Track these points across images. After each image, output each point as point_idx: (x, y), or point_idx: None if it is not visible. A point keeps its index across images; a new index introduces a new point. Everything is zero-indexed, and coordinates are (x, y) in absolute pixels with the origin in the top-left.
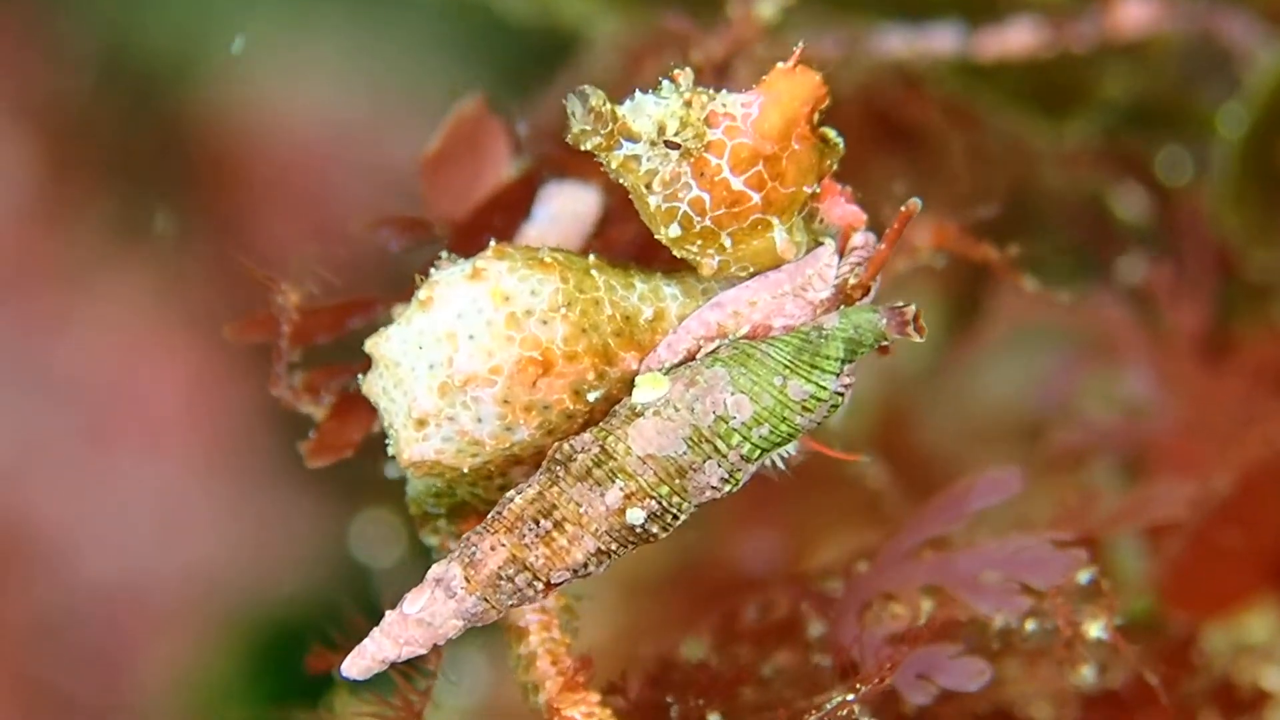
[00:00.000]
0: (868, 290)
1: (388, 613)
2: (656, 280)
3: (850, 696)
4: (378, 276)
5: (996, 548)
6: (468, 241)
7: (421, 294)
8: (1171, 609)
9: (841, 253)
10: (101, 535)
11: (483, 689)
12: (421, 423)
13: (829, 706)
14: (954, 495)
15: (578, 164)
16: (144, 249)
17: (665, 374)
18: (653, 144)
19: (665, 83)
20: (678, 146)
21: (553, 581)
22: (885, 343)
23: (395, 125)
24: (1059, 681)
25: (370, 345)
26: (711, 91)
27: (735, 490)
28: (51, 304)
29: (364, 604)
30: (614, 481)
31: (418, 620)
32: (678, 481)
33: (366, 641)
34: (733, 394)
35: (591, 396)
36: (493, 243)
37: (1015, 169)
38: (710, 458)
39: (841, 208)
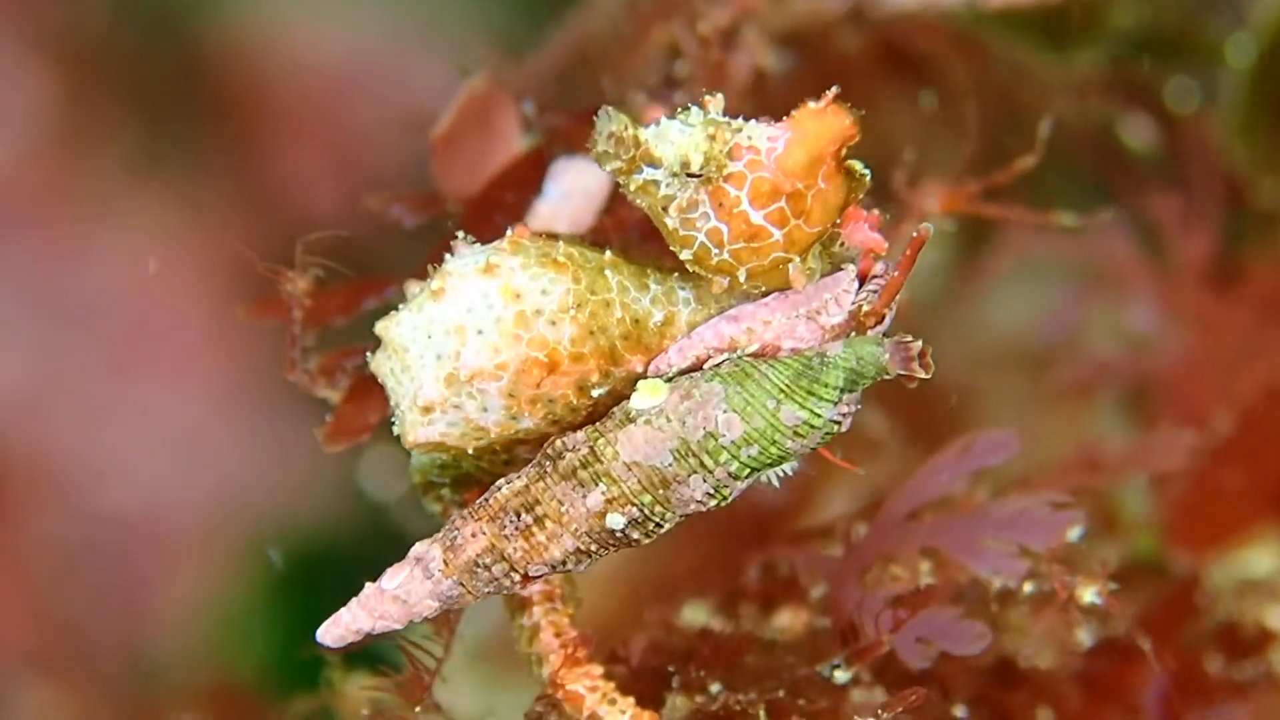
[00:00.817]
0: (882, 318)
1: (367, 585)
2: (671, 283)
3: (850, 672)
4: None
5: (995, 509)
6: (480, 218)
7: (435, 283)
8: (1174, 548)
9: (862, 278)
10: (122, 465)
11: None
12: (427, 409)
13: (827, 673)
14: (951, 456)
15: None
16: (163, 179)
17: (669, 381)
18: (674, 174)
19: (693, 109)
20: (699, 175)
21: (530, 574)
22: (888, 376)
23: (415, 56)
24: (1062, 630)
25: (380, 327)
26: (738, 123)
27: (725, 504)
28: (71, 234)
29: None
30: (597, 485)
31: (394, 596)
32: (661, 491)
33: (343, 611)
34: (725, 412)
35: (596, 393)
36: (510, 231)
37: (1024, 99)
38: (696, 472)
39: (864, 233)
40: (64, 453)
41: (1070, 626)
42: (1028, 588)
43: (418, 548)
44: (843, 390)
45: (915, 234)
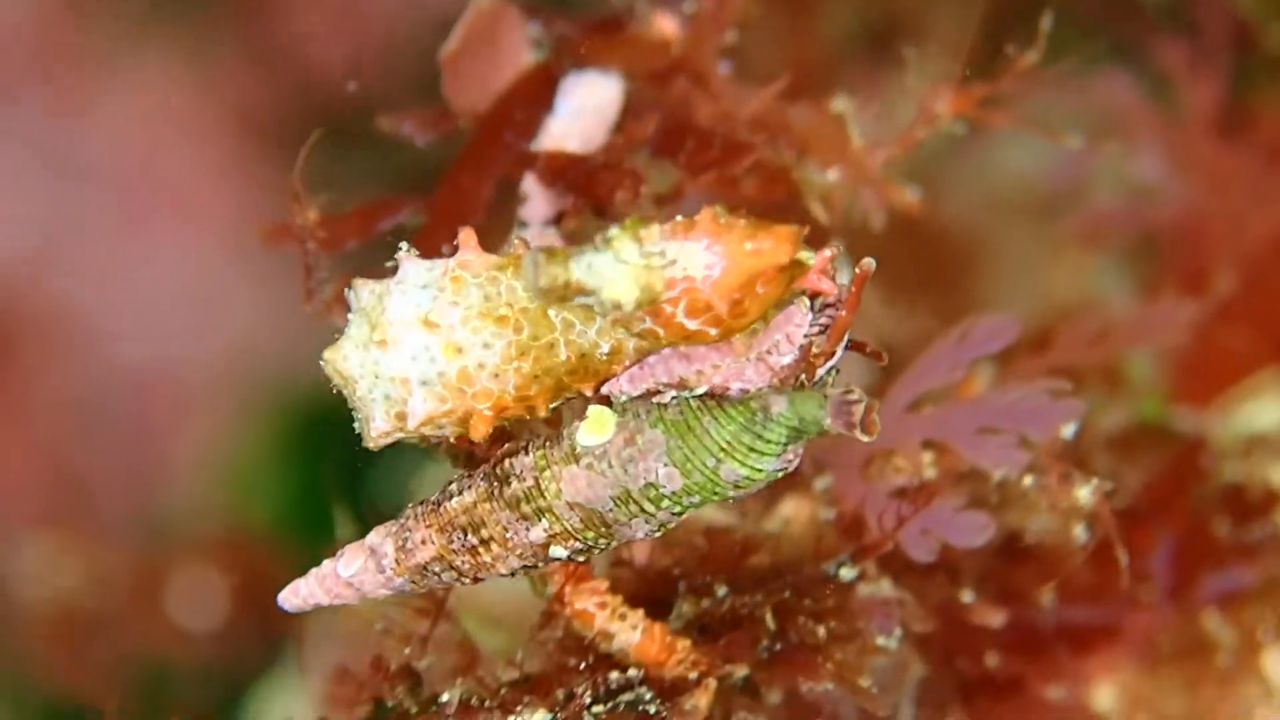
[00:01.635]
0: (832, 355)
1: (325, 562)
2: None
3: (856, 569)
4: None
5: (994, 399)
6: (491, 135)
7: (376, 334)
8: (1179, 404)
9: (812, 297)
10: (133, 318)
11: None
12: (382, 435)
13: (833, 571)
14: (949, 345)
15: (597, 54)
16: (170, 34)
17: (620, 408)
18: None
19: (626, 243)
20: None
21: (480, 578)
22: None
23: None
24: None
25: (328, 357)
26: (672, 251)
27: (662, 534)
28: (78, 89)
29: None
30: (540, 520)
31: (347, 582)
32: (603, 529)
33: (301, 583)
34: (665, 465)
35: (545, 413)
36: (456, 259)
37: None
38: (637, 516)
39: (811, 284)
40: (74, 308)
41: (1068, 521)
42: (1028, 480)
43: (373, 536)
44: (786, 444)
45: (859, 270)
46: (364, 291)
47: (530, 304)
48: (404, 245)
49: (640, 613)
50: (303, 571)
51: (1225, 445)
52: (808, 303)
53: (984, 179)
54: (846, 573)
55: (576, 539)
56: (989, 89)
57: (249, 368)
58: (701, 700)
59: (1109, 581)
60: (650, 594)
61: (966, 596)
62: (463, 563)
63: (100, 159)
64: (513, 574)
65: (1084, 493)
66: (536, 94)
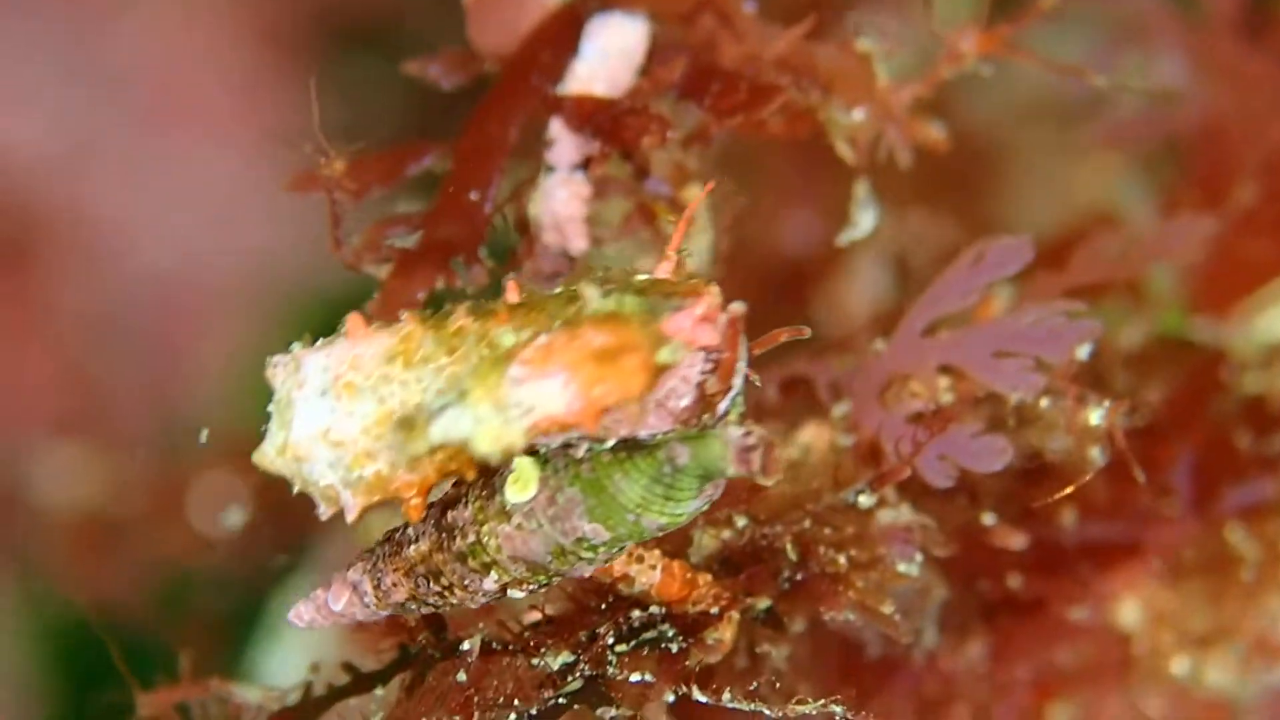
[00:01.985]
0: (729, 389)
1: (318, 591)
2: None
3: (875, 496)
4: None
5: (1010, 323)
6: (518, 78)
7: (288, 452)
8: (1199, 314)
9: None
10: (157, 224)
11: None
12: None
13: (852, 499)
14: (964, 268)
15: None
16: None
17: (541, 461)
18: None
19: (483, 405)
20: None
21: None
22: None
23: None
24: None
25: (256, 461)
26: (528, 401)
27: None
28: None
29: None
30: (489, 573)
31: (340, 614)
32: (551, 574)
33: (303, 605)
34: (589, 522)
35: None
36: (349, 354)
37: None
38: (579, 562)
39: (691, 334)
40: (96, 215)
41: (1083, 443)
42: (1044, 402)
43: (352, 572)
44: (699, 488)
45: (730, 313)
46: (277, 379)
47: (421, 397)
48: (298, 342)
49: (657, 552)
50: None
51: (1245, 356)
52: (697, 350)
53: (1004, 86)
54: (865, 500)
55: (529, 584)
56: (1014, 27)
57: (269, 277)
58: (725, 634)
59: (1130, 498)
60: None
61: (987, 519)
62: (435, 602)
63: (125, 67)
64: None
65: (1095, 415)
66: (562, 37)
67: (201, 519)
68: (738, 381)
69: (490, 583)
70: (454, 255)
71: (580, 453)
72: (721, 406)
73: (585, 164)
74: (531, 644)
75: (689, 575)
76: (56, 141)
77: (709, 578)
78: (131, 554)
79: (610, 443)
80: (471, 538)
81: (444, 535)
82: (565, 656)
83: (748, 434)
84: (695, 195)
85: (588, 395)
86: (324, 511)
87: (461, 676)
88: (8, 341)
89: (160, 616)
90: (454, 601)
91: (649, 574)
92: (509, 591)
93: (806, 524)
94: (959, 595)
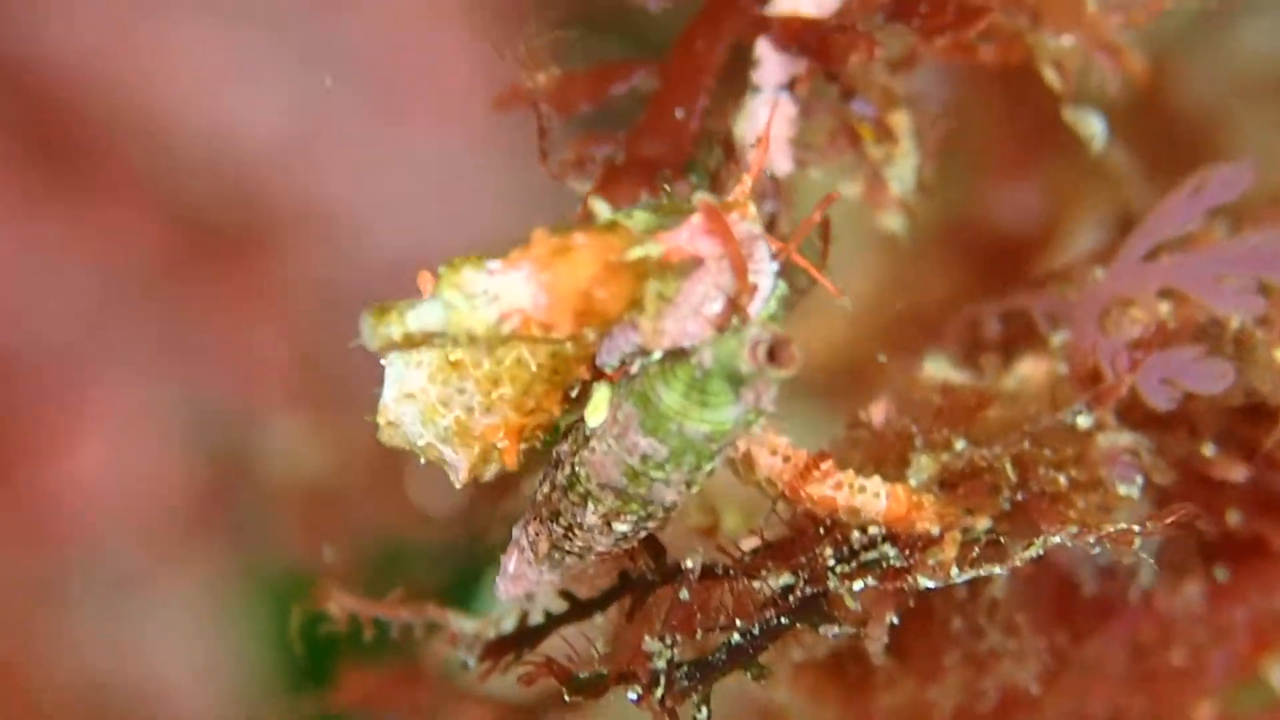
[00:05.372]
0: (751, 289)
1: (503, 556)
2: None
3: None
4: None
5: (1232, 245)
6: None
7: (383, 417)
8: None
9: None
10: (390, 211)
11: None
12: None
13: (1070, 420)
14: (1185, 195)
15: None
16: None
17: (613, 388)
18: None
19: (449, 290)
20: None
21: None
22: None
23: None
24: None
25: (381, 440)
26: (494, 289)
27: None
28: None
29: None
30: (587, 504)
31: (514, 575)
32: (636, 503)
33: (499, 579)
34: (644, 436)
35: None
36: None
37: None
38: (654, 484)
39: (695, 244)
40: (331, 198)
41: None
42: (1259, 334)
43: (515, 529)
44: (733, 392)
45: (701, 202)
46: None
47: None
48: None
49: (877, 478)
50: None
51: None
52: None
53: (1224, 60)
54: (1084, 420)
55: (624, 514)
56: None
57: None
58: (947, 554)
59: None
60: (887, 454)
61: (1208, 450)
62: (571, 547)
63: (359, 50)
64: (620, 543)
65: None
66: None
67: (419, 493)
68: (765, 282)
69: (591, 516)
70: (658, 171)
71: (635, 368)
72: (754, 309)
73: (791, 84)
74: (752, 567)
75: (914, 498)
76: (292, 124)
77: (932, 498)
78: (350, 526)
79: (657, 354)
80: (568, 469)
81: (554, 470)
82: (786, 578)
83: (764, 327)
84: (902, 122)
85: (552, 290)
86: (454, 477)
87: (684, 594)
88: (243, 321)
89: (373, 590)
90: (579, 544)
91: (874, 502)
92: (614, 526)
93: (1025, 445)
94: (1177, 533)
